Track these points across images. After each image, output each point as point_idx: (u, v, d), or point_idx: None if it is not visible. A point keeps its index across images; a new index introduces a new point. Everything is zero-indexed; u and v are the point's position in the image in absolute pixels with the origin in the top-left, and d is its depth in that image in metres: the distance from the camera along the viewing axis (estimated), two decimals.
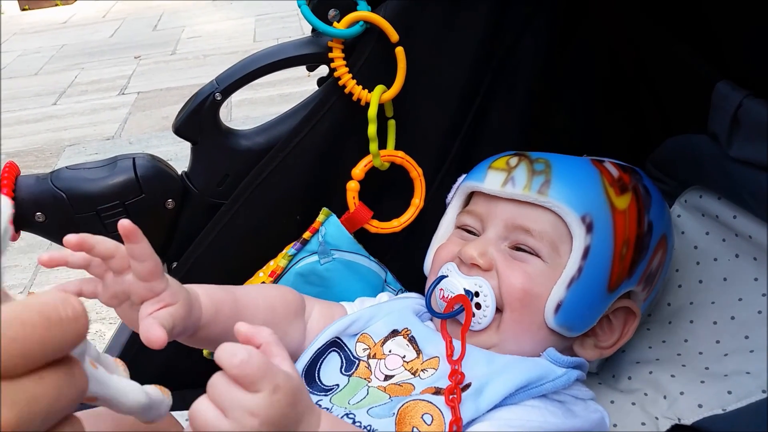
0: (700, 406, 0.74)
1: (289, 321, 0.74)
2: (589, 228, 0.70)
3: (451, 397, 0.62)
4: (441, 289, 0.72)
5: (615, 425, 0.76)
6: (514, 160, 0.76)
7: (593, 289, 0.70)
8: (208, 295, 0.65)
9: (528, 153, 0.77)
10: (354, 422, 0.63)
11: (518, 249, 0.72)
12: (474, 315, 0.70)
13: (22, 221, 0.73)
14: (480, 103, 0.88)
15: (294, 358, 0.72)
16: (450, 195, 0.83)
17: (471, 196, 0.80)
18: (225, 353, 0.45)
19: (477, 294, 0.70)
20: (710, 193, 0.85)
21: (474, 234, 0.77)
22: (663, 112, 0.93)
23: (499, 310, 0.70)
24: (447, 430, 0.60)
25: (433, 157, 0.87)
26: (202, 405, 0.46)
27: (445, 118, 0.86)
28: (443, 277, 0.73)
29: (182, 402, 0.80)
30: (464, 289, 0.70)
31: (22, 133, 2.86)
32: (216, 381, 0.46)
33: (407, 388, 0.67)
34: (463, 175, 0.82)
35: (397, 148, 0.84)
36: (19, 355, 0.27)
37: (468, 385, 0.64)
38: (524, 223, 0.72)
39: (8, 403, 0.27)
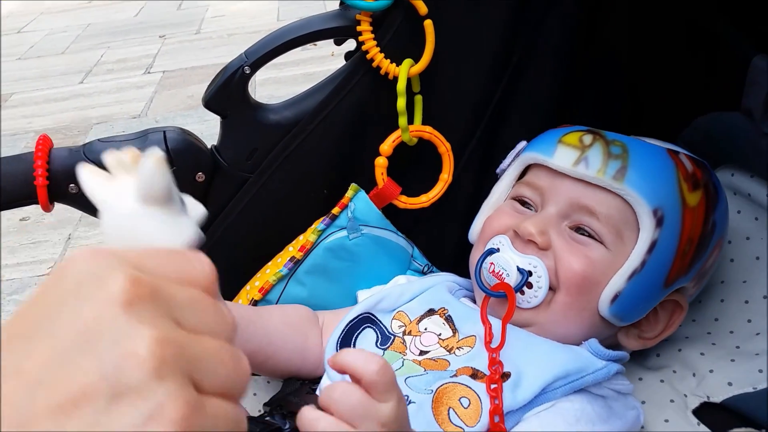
0: (729, 384, 0.74)
1: (306, 331, 0.75)
2: (660, 222, 0.68)
3: (492, 386, 0.61)
4: (492, 263, 0.70)
5: (643, 402, 0.75)
6: (588, 138, 0.72)
7: (651, 283, 0.69)
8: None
9: (603, 132, 0.74)
10: None
11: (580, 231, 0.70)
12: (524, 293, 0.69)
13: (56, 193, 0.74)
14: (509, 78, 0.87)
15: (316, 364, 0.73)
16: (505, 162, 0.80)
17: (528, 167, 0.78)
18: (359, 360, 0.45)
19: (530, 273, 0.68)
20: (743, 171, 0.84)
21: (530, 208, 0.74)
22: (694, 89, 0.91)
23: (552, 288, 0.69)
24: (486, 416, 0.60)
25: (461, 132, 0.86)
26: (320, 418, 0.45)
27: (474, 93, 0.85)
28: (494, 250, 0.71)
29: None
30: (517, 267, 0.69)
31: (50, 111, 2.90)
32: (343, 389, 0.45)
33: (442, 363, 0.67)
34: (522, 143, 0.79)
35: (424, 123, 0.83)
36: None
37: (506, 375, 0.63)
38: (590, 204, 0.69)
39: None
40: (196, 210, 0.40)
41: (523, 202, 0.75)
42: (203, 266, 0.34)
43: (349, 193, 0.82)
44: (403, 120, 0.80)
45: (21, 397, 0.27)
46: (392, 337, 0.71)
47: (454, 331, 0.70)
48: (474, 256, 0.76)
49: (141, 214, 0.36)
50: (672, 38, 0.89)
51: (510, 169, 0.79)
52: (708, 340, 0.79)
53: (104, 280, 0.30)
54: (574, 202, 0.71)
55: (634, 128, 0.82)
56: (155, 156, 0.35)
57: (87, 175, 0.39)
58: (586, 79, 0.94)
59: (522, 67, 0.88)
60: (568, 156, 0.72)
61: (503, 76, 0.87)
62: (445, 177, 0.85)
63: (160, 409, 0.28)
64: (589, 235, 0.70)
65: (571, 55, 0.90)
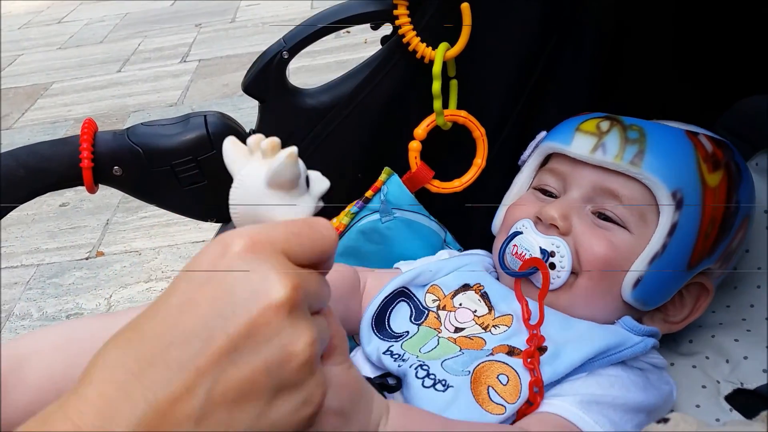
0: (764, 371, 0.73)
1: (348, 297, 0.74)
2: (679, 204, 0.68)
3: (529, 360, 0.62)
4: (515, 246, 0.71)
5: None
6: (605, 125, 0.72)
7: (674, 266, 0.69)
8: None
9: (620, 118, 0.74)
10: (428, 374, 0.63)
11: (602, 216, 0.70)
12: None
13: (100, 175, 0.76)
14: (545, 62, 0.87)
15: (355, 328, 0.72)
16: (526, 153, 0.81)
17: (549, 156, 0.78)
18: None
19: (553, 254, 0.69)
20: None
21: (553, 195, 0.75)
22: (734, 72, 0.90)
23: (573, 272, 0.69)
24: (526, 390, 0.61)
25: (495, 117, 0.86)
26: None
27: (510, 77, 0.86)
28: (518, 233, 0.72)
29: None
30: (540, 247, 0.69)
31: (89, 100, 2.96)
32: None
33: (478, 342, 0.67)
34: (542, 133, 0.80)
35: (459, 108, 0.83)
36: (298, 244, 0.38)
37: (545, 349, 0.64)
38: (614, 187, 0.70)
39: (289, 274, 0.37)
40: (321, 185, 0.45)
41: (545, 191, 0.76)
42: (329, 232, 0.40)
43: (383, 177, 0.83)
44: (438, 104, 0.80)
45: (199, 390, 0.33)
46: (426, 311, 0.71)
47: (490, 308, 0.70)
48: (497, 244, 0.76)
49: (267, 195, 0.42)
50: (715, 21, 0.87)
51: (530, 159, 0.80)
52: (743, 327, 0.79)
53: (271, 285, 0.35)
54: (597, 186, 0.71)
55: (671, 114, 0.82)
56: (289, 151, 0.41)
57: (230, 145, 0.44)
58: (626, 61, 0.94)
59: (559, 52, 0.88)
60: (586, 143, 0.72)
61: (540, 61, 0.87)
62: (479, 162, 0.85)
63: (310, 396, 0.36)
64: (612, 221, 0.70)
65: (609, 42, 0.89)
